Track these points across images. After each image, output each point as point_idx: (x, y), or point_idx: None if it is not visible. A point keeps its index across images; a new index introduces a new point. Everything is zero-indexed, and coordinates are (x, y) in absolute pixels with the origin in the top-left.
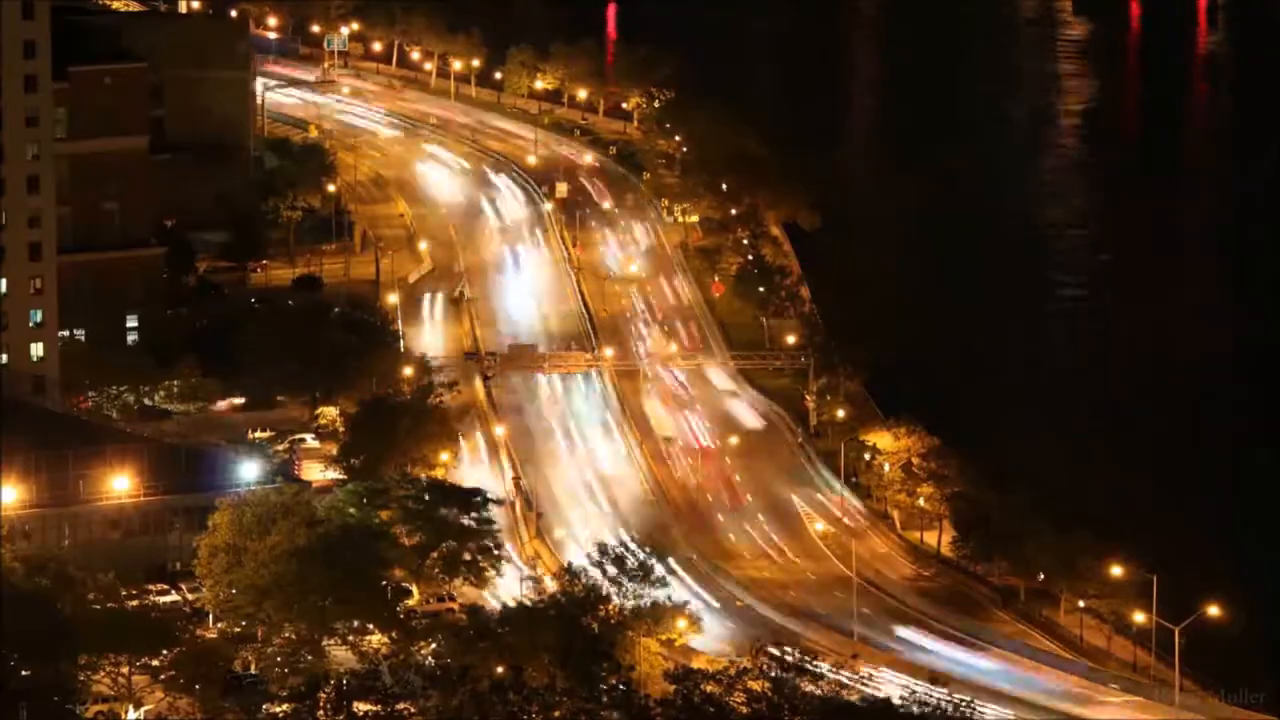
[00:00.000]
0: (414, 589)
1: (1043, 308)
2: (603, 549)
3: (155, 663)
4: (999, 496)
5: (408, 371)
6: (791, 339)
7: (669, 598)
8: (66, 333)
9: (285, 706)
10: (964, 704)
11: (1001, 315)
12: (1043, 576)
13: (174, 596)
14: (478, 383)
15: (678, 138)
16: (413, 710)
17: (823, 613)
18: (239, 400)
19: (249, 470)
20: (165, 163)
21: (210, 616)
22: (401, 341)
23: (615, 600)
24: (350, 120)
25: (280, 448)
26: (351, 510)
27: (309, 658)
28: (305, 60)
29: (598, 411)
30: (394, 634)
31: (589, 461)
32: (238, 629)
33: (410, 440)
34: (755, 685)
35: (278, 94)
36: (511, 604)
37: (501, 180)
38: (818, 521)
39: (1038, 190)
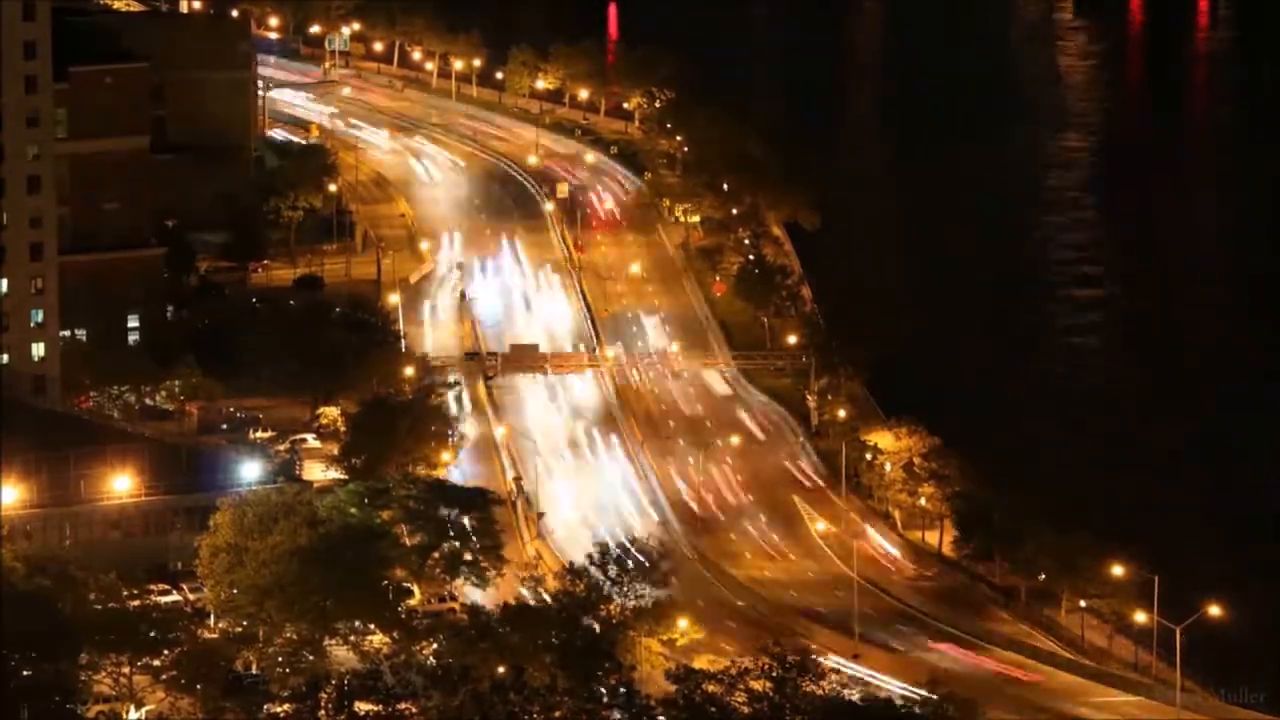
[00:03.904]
0: (415, 589)
1: (1044, 308)
2: (604, 549)
3: (156, 663)
4: (999, 496)
5: (409, 371)
6: (792, 339)
7: (669, 597)
8: (67, 333)
9: (286, 706)
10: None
11: (1002, 315)
12: (1043, 576)
13: (175, 596)
14: (480, 383)
15: (679, 137)
16: (414, 710)
17: (824, 612)
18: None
19: (250, 470)
20: (166, 163)
21: (211, 616)
22: (403, 342)
23: (616, 600)
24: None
25: (281, 448)
26: (353, 510)
27: (310, 658)
28: (306, 60)
29: (599, 412)
30: (395, 634)
31: (590, 461)
32: (239, 629)
33: (411, 440)
34: (757, 685)
35: (281, 96)
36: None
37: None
38: (818, 521)
39: (1038, 190)
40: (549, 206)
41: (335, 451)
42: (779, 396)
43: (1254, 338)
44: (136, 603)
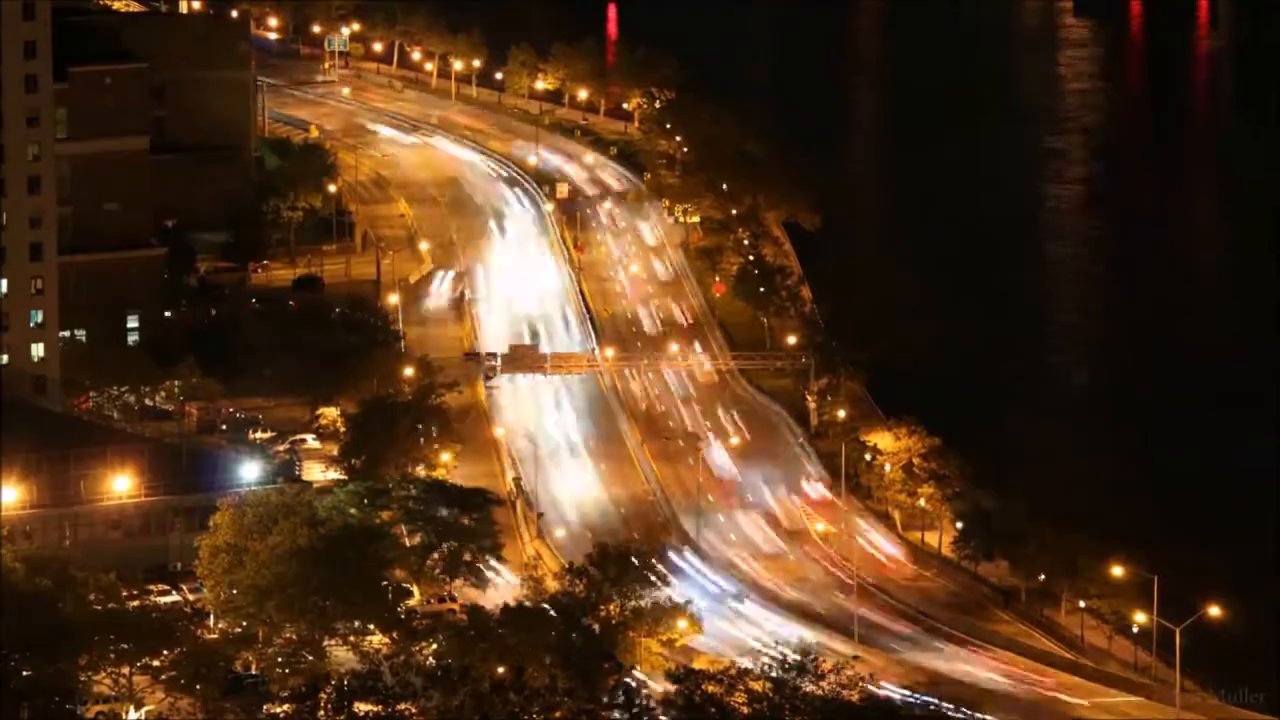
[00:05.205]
0: (415, 589)
1: (1043, 308)
2: (603, 549)
3: (156, 663)
4: (999, 496)
5: (409, 371)
6: (792, 339)
7: (669, 598)
8: (67, 333)
9: (286, 707)
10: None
11: (1002, 315)
12: (1043, 576)
13: (175, 597)
14: (479, 383)
15: (678, 138)
16: (414, 710)
17: (823, 612)
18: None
19: (250, 470)
20: (165, 163)
21: (211, 616)
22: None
23: (616, 600)
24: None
25: (281, 448)
26: (352, 510)
27: (310, 658)
28: (306, 60)
29: (599, 411)
30: (395, 634)
31: (590, 461)
32: (239, 629)
33: (411, 440)
34: (756, 685)
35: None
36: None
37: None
38: (818, 521)
39: (1038, 190)
40: (549, 206)
41: (335, 452)
42: (779, 396)
43: (1254, 338)
44: (136, 603)
